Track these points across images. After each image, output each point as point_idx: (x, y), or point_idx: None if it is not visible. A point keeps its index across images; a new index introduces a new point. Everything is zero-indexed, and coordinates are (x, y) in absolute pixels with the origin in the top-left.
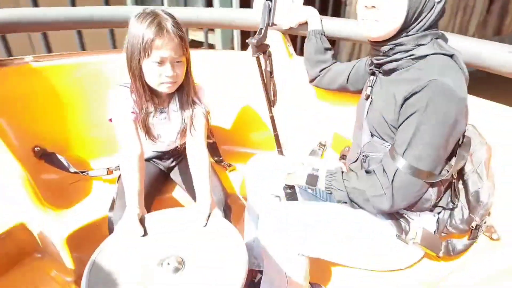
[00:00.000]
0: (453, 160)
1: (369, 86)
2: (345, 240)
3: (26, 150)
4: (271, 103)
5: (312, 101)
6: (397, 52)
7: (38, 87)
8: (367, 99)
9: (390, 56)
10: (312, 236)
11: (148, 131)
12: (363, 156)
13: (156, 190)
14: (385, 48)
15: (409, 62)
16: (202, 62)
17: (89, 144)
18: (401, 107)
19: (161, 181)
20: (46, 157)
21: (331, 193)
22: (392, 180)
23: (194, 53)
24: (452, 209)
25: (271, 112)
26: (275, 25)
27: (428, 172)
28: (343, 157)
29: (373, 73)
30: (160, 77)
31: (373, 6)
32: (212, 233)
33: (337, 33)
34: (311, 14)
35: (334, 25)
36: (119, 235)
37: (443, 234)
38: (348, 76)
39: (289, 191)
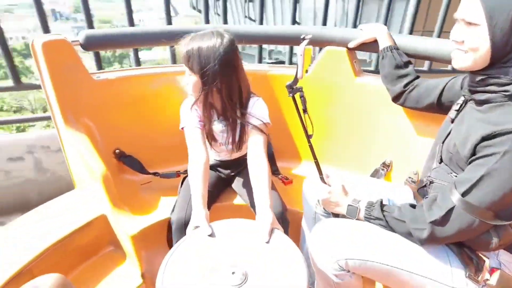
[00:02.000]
0: None
1: (455, 110)
2: (396, 266)
3: (108, 152)
4: (308, 135)
5: (378, 118)
6: (490, 85)
7: (122, 96)
8: (452, 122)
9: (482, 86)
10: (359, 255)
11: (212, 138)
12: (429, 181)
13: (216, 196)
14: (477, 77)
15: (503, 97)
16: (274, 76)
17: (161, 150)
18: (477, 145)
19: (221, 188)
20: (124, 159)
21: (369, 222)
22: (443, 215)
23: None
24: None
25: (309, 142)
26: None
27: (487, 212)
28: (409, 180)
29: (464, 98)
30: None
31: (456, 41)
32: (274, 250)
33: (412, 51)
34: (380, 31)
35: (408, 43)
36: (190, 235)
37: None
38: (441, 93)
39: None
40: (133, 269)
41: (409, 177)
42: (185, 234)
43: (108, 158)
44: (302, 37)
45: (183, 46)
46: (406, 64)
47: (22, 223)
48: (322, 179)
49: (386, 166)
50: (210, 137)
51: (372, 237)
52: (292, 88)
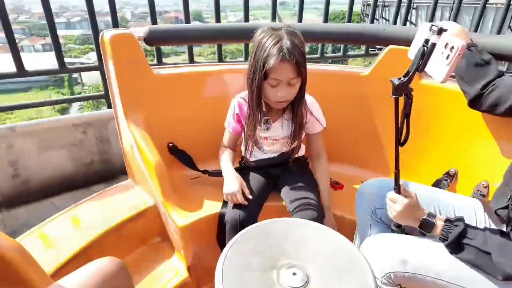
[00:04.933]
0: None
1: None
2: (453, 283)
3: (163, 145)
4: (399, 142)
5: (443, 124)
6: None
7: (179, 92)
8: None
9: None
10: (408, 267)
11: (255, 141)
12: None
13: (265, 197)
14: None
15: None
16: (332, 77)
17: (211, 148)
18: None
19: (269, 188)
20: (176, 153)
21: (445, 244)
22: None
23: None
24: None
25: (397, 150)
26: (425, 72)
27: None
28: (476, 193)
29: None
30: (275, 96)
31: None
32: (334, 251)
33: (494, 52)
34: (453, 29)
35: (488, 42)
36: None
37: None
38: None
39: (394, 228)
40: (179, 261)
41: (478, 190)
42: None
43: (162, 151)
44: (438, 28)
45: (287, 56)
46: (488, 62)
47: (80, 208)
48: (397, 191)
49: (450, 176)
50: (253, 139)
51: (425, 247)
52: (403, 87)
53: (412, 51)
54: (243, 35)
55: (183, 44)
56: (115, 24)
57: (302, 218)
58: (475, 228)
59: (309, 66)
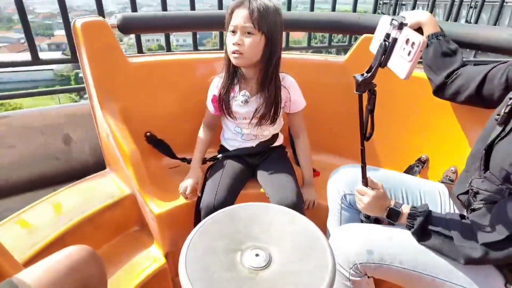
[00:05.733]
0: None
1: (505, 112)
2: (417, 271)
3: (140, 135)
4: (364, 137)
5: (414, 112)
6: None
7: (155, 81)
8: (500, 125)
9: None
10: (373, 258)
11: (228, 110)
12: (471, 190)
13: (242, 185)
14: None
15: None
16: (309, 66)
17: (190, 136)
18: None
19: (247, 176)
20: (154, 142)
21: (411, 231)
22: (501, 240)
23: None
24: None
25: (363, 145)
26: (387, 67)
27: None
28: (446, 178)
29: None
30: (230, 45)
31: None
32: (298, 233)
33: (461, 40)
34: (424, 17)
35: (456, 30)
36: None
37: None
38: (481, 83)
39: (364, 219)
40: (157, 249)
41: (447, 175)
42: None
43: (139, 141)
44: (399, 22)
45: (246, 3)
46: (454, 51)
47: (57, 197)
48: (364, 183)
49: (422, 162)
50: (226, 108)
51: (391, 237)
52: (366, 84)
53: (374, 45)
54: (221, 23)
55: (159, 32)
56: (65, 19)
57: (281, 204)
58: (439, 214)
59: (287, 55)
